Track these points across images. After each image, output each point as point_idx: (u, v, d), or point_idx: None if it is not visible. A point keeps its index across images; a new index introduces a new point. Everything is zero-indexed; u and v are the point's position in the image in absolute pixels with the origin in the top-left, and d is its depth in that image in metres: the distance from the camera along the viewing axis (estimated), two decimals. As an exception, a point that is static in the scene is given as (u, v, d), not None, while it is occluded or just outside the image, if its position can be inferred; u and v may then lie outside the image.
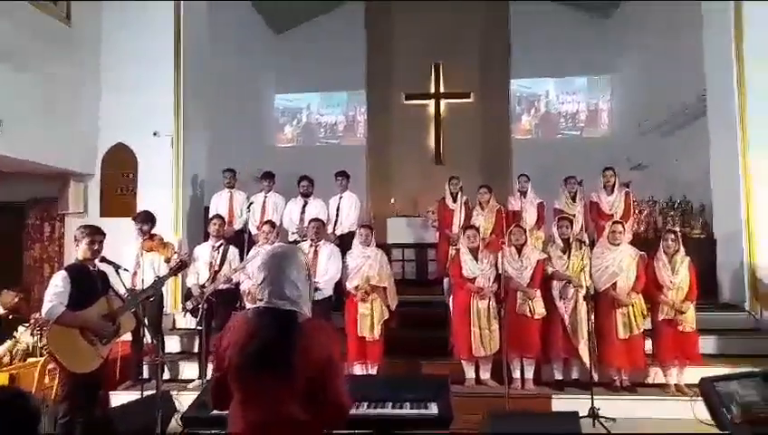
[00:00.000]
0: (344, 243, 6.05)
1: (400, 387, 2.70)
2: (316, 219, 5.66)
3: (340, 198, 6.75)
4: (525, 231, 5.37)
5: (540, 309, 5.05)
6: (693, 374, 4.99)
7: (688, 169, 7.72)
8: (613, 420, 4.57)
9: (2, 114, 5.44)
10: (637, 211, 7.21)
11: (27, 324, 5.22)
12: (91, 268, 3.88)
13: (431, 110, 11.15)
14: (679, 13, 8.03)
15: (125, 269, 4.05)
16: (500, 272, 5.08)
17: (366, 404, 2.46)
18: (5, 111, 5.49)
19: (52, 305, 3.63)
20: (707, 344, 5.43)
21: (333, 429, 1.90)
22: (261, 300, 1.85)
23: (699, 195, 7.24)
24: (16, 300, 5.60)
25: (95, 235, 3.87)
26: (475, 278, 5.17)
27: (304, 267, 1.88)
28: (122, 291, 4.05)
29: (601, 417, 4.52)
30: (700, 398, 4.60)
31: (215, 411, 1.96)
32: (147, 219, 5.49)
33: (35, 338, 5.15)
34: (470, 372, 5.25)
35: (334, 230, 6.54)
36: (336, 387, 1.76)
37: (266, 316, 1.79)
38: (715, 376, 2.66)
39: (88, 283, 3.81)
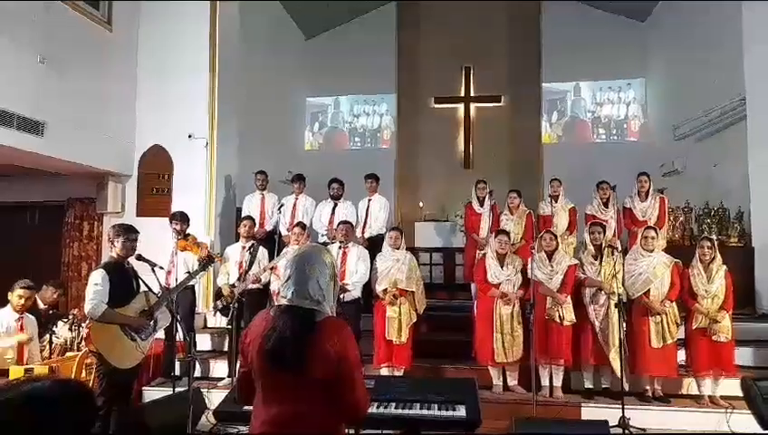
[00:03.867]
0: (373, 245, 6.08)
1: (428, 389, 2.71)
2: (345, 222, 5.72)
3: (370, 200, 6.79)
4: (556, 236, 5.32)
5: (569, 316, 4.99)
6: (728, 386, 4.88)
7: (726, 176, 7.52)
8: (643, 430, 4.48)
9: (45, 116, 5.65)
10: (671, 218, 7.05)
11: (66, 319, 5.40)
12: (126, 265, 3.99)
13: (461, 113, 11.14)
14: (718, 16, 7.86)
15: (160, 267, 4.15)
16: (529, 277, 5.04)
17: (394, 405, 2.47)
18: (49, 113, 5.69)
19: (94, 304, 3.74)
20: (744, 356, 5.27)
21: (352, 426, 1.92)
22: (284, 298, 1.89)
23: (737, 202, 7.04)
24: (55, 296, 5.78)
25: (131, 232, 3.99)
26: (499, 284, 5.14)
27: (329, 268, 1.89)
28: (157, 288, 4.15)
29: (632, 427, 4.43)
30: (735, 410, 4.54)
31: (246, 407, 2.00)
32: (183, 219, 5.63)
33: (73, 333, 5.32)
34: (497, 378, 5.21)
35: (363, 233, 6.57)
36: (351, 386, 1.77)
37: (286, 314, 1.83)
38: (756, 376, 2.62)
39: (124, 280, 3.93)
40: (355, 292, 5.34)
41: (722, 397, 4.82)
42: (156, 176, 7.04)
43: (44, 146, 5.68)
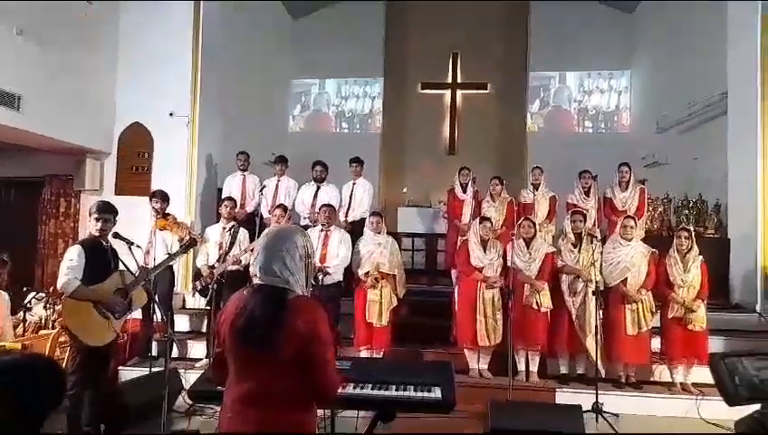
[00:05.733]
0: (356, 229, 6.07)
1: (405, 371, 2.71)
2: (328, 205, 5.69)
3: (354, 184, 6.76)
4: (535, 224, 5.35)
5: (547, 302, 5.04)
6: (699, 374, 4.99)
7: (706, 168, 7.62)
8: (616, 415, 4.57)
9: (22, 90, 5.51)
10: (651, 208, 7.14)
11: (41, 296, 5.31)
12: (104, 244, 3.93)
13: (447, 100, 11.11)
14: (703, 11, 7.90)
15: (138, 246, 4.09)
16: (508, 264, 5.09)
17: (370, 386, 2.47)
18: (25, 86, 5.56)
19: (67, 279, 3.68)
20: (716, 345, 5.36)
21: (324, 405, 1.93)
22: (255, 276, 1.88)
23: (715, 194, 7.15)
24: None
25: (105, 212, 3.88)
26: (482, 267, 5.17)
27: (300, 248, 1.87)
28: (134, 267, 4.10)
29: (605, 412, 4.51)
30: (706, 397, 4.65)
31: (220, 387, 1.99)
32: (163, 198, 5.55)
33: (48, 311, 5.24)
34: (474, 363, 5.26)
35: (347, 216, 6.55)
36: (322, 365, 1.77)
37: (258, 293, 1.83)
38: (724, 352, 2.70)
39: (101, 258, 3.85)
40: (336, 275, 5.34)
41: (693, 384, 4.93)
42: (135, 154, 6.94)
43: (20, 120, 5.55)
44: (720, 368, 2.50)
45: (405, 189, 9.93)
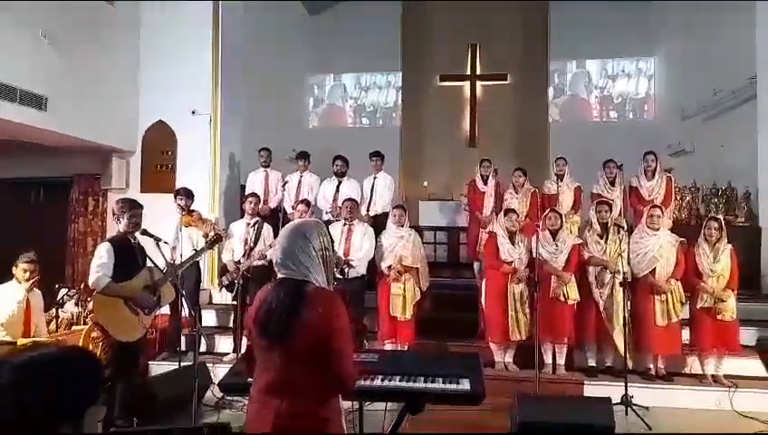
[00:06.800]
0: (378, 223, 6.07)
1: (432, 363, 2.71)
2: (350, 199, 5.70)
3: (375, 178, 6.75)
4: (561, 215, 5.28)
5: (574, 294, 4.99)
6: (731, 366, 4.90)
7: (734, 156, 7.45)
8: (646, 408, 4.50)
9: (48, 91, 5.61)
10: (678, 197, 7.00)
11: (72, 293, 5.43)
12: (132, 241, 4.00)
13: (466, 91, 10.99)
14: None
15: (165, 242, 4.15)
16: (534, 255, 5.04)
17: (398, 377, 2.47)
18: (51, 88, 5.66)
19: (98, 276, 3.77)
20: (748, 336, 5.28)
21: (343, 397, 1.96)
22: (276, 269, 1.92)
23: (745, 182, 6.99)
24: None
25: (135, 208, 3.98)
26: (512, 261, 5.12)
27: (314, 242, 1.88)
28: (162, 264, 4.17)
29: (635, 405, 4.45)
30: (739, 389, 4.56)
31: (250, 379, 2.02)
32: (188, 195, 5.62)
33: (80, 308, 5.36)
34: (499, 356, 5.23)
35: (368, 210, 6.56)
36: (339, 357, 1.78)
37: (279, 286, 1.85)
38: None
39: (129, 255, 3.94)
40: (360, 268, 5.36)
41: (725, 376, 4.84)
42: (160, 152, 7.02)
43: (47, 120, 5.65)
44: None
45: (425, 183, 9.88)
